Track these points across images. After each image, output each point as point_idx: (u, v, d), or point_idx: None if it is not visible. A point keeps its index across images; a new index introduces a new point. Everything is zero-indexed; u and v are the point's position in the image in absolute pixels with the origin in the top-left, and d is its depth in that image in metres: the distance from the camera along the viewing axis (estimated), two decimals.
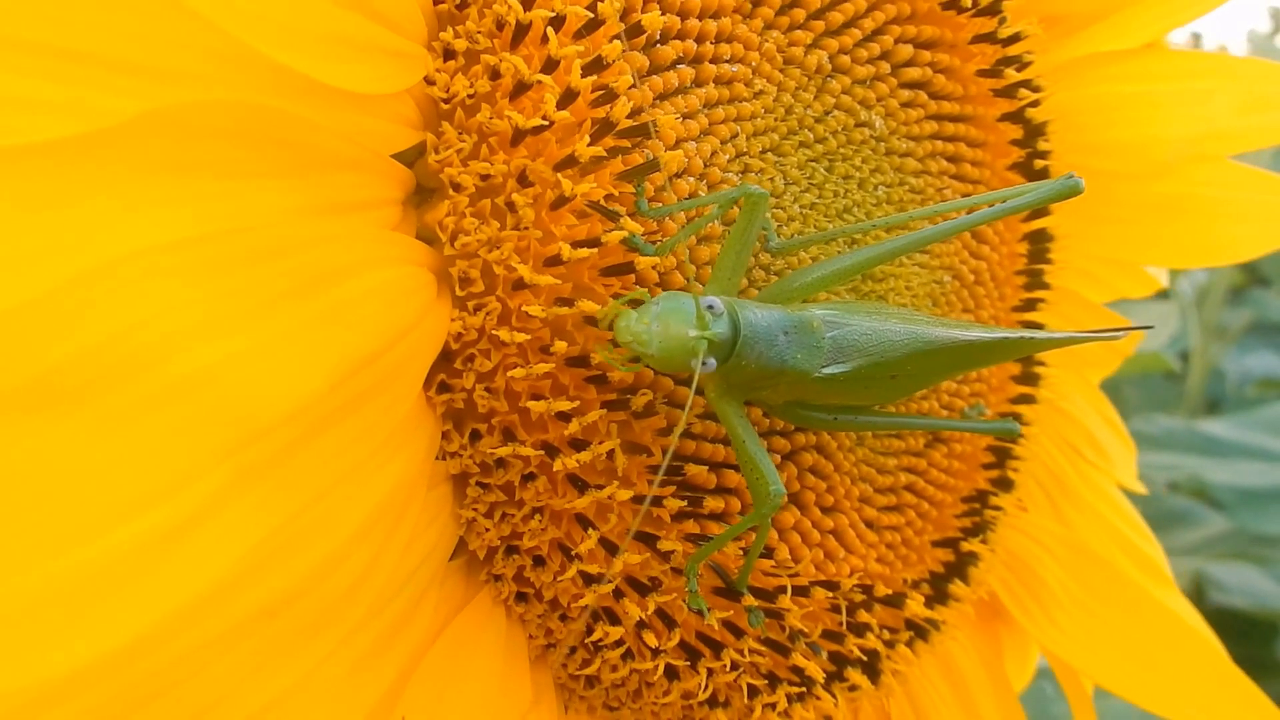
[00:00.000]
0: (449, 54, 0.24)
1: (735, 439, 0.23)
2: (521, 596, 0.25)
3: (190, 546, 0.16)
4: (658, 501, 0.24)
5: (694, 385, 0.22)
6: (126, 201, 0.17)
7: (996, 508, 0.34)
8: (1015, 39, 0.32)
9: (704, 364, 0.21)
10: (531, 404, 0.23)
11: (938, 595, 0.33)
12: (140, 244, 0.17)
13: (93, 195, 0.17)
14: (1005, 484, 0.35)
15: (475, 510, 0.24)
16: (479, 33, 0.24)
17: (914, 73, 0.31)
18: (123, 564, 0.15)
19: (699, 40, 0.27)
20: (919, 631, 0.32)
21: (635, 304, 0.22)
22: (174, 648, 0.17)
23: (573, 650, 0.26)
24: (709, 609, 0.25)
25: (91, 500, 0.15)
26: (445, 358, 0.23)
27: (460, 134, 0.23)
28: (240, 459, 0.17)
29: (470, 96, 0.23)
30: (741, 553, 0.26)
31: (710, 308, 0.22)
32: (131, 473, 0.16)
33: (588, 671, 0.26)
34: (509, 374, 0.23)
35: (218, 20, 0.18)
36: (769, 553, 0.27)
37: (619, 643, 0.25)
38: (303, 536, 0.19)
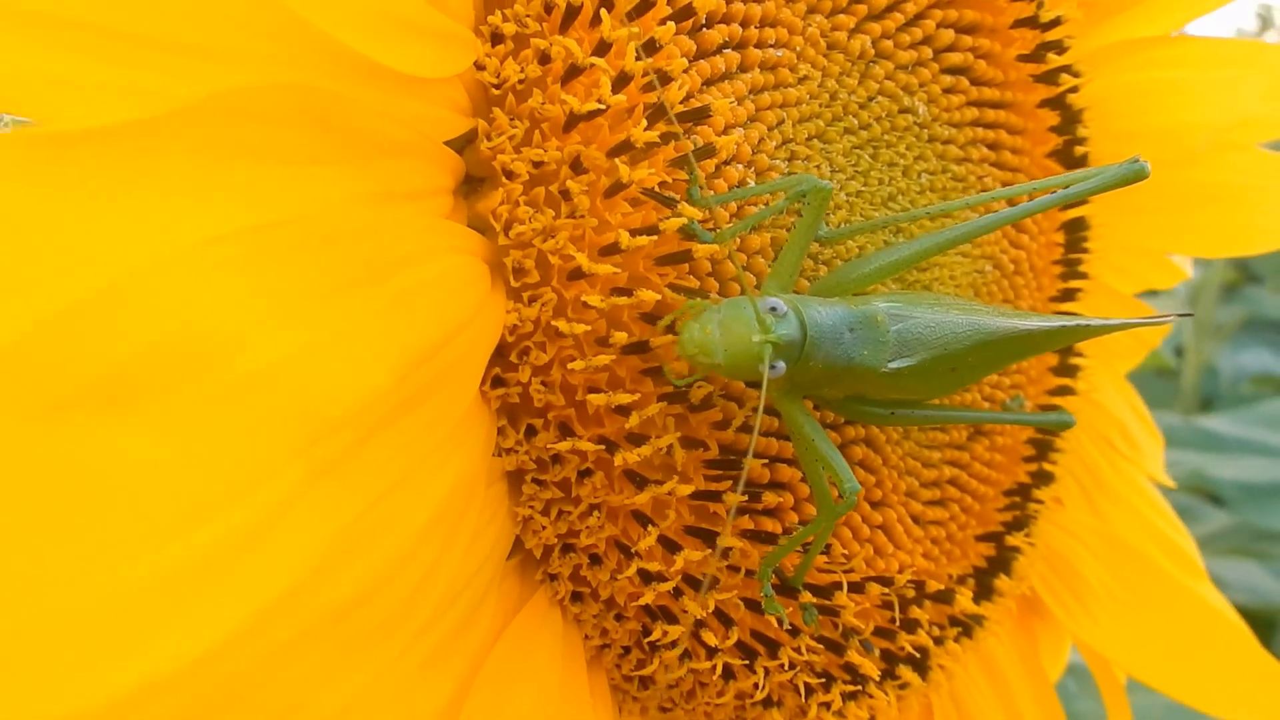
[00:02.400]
0: (497, 38, 0.23)
1: (802, 438, 0.23)
2: (577, 596, 0.24)
3: (267, 547, 0.15)
4: (716, 498, 0.24)
5: (764, 391, 0.21)
6: (185, 189, 0.16)
7: (1038, 501, 0.34)
8: (1055, 23, 0.32)
9: (773, 368, 0.21)
10: (591, 397, 0.22)
11: (982, 590, 0.32)
12: (200, 234, 0.16)
13: (151, 182, 0.16)
14: (1045, 477, 0.34)
15: (532, 508, 0.23)
16: (527, 16, 0.23)
17: (956, 58, 0.30)
18: (204, 567, 0.14)
19: (744, 24, 0.26)
20: (965, 628, 0.32)
21: (695, 310, 0.22)
22: (252, 651, 0.16)
23: (626, 650, 0.25)
24: (790, 609, 0.24)
25: (167, 502, 0.14)
26: (499, 351, 0.23)
27: (512, 120, 0.23)
28: (311, 456, 0.16)
29: (521, 81, 0.23)
30: (798, 549, 0.25)
31: (773, 309, 0.21)
32: (206, 473, 0.15)
33: (643, 673, 0.25)
34: (567, 366, 0.22)
35: None
36: (824, 549, 0.26)
37: (675, 643, 0.25)
38: (372, 534, 0.18)
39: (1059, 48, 0.32)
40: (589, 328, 0.22)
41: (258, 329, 0.16)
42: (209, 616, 0.15)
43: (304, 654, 0.17)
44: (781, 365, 0.21)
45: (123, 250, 0.15)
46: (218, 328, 0.16)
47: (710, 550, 0.24)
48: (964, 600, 0.30)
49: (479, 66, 0.23)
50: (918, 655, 0.29)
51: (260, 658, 0.16)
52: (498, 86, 0.23)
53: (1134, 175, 0.26)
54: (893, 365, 0.23)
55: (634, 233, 0.22)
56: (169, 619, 0.14)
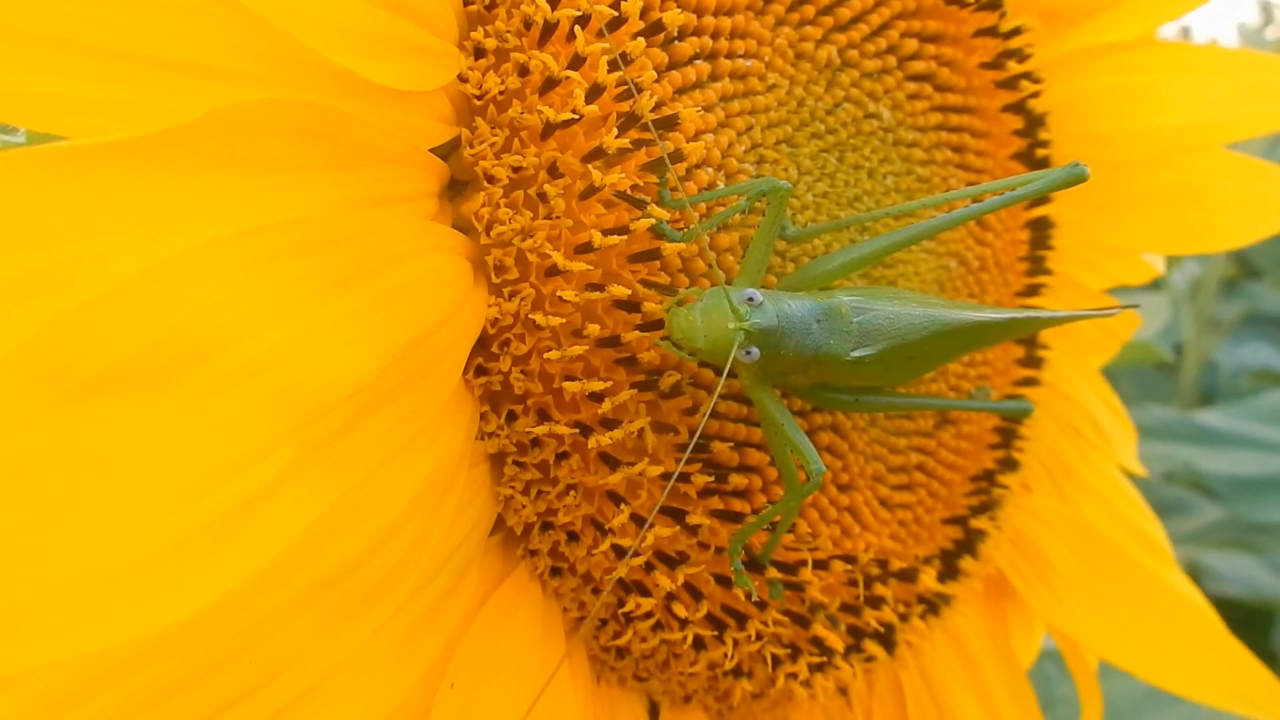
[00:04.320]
0: (479, 52, 0.25)
1: (772, 423, 0.24)
2: (556, 571, 0.26)
3: (264, 517, 0.17)
4: (685, 478, 0.25)
5: (725, 371, 0.23)
6: (193, 196, 0.18)
7: (1003, 486, 0.36)
8: (1016, 32, 0.33)
9: (747, 353, 0.23)
10: (567, 384, 0.24)
11: (948, 571, 0.34)
12: (206, 236, 0.18)
13: (160, 190, 0.18)
14: (1011, 464, 0.36)
15: (513, 488, 0.25)
16: (508, 31, 0.25)
17: (919, 66, 0.32)
18: (207, 532, 0.16)
19: (714, 36, 0.28)
20: (931, 606, 0.34)
21: (683, 302, 0.23)
22: (250, 613, 0.18)
23: (604, 622, 0.27)
24: (758, 584, 0.26)
25: (175, 475, 0.16)
26: (482, 343, 0.24)
27: (493, 129, 0.24)
28: (304, 437, 0.18)
29: (501, 93, 0.24)
30: (766, 528, 0.27)
31: (750, 300, 0.23)
32: (211, 449, 0.17)
33: (619, 643, 0.27)
34: (544, 356, 0.24)
35: (276, 20, 0.19)
36: (791, 529, 0.28)
37: (649, 614, 0.26)
38: (359, 510, 0.20)
39: (1020, 55, 0.34)
40: (564, 320, 0.24)
41: (255, 322, 0.18)
42: (212, 576, 0.16)
43: (297, 616, 0.19)
44: (755, 351, 0.23)
45: (134, 252, 0.17)
46: (219, 321, 0.17)
47: (680, 528, 0.26)
48: (928, 579, 0.32)
49: (462, 79, 0.24)
50: (883, 630, 0.31)
51: (258, 618, 0.18)
52: (480, 97, 0.24)
53: (1074, 178, 0.27)
54: (856, 354, 0.25)
55: (606, 232, 0.24)
56: (177, 577, 0.16)
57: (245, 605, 0.18)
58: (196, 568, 0.16)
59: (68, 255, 0.16)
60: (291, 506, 0.18)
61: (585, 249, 0.24)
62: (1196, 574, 1.00)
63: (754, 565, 0.27)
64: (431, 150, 0.24)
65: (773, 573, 0.27)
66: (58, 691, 0.16)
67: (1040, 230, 0.37)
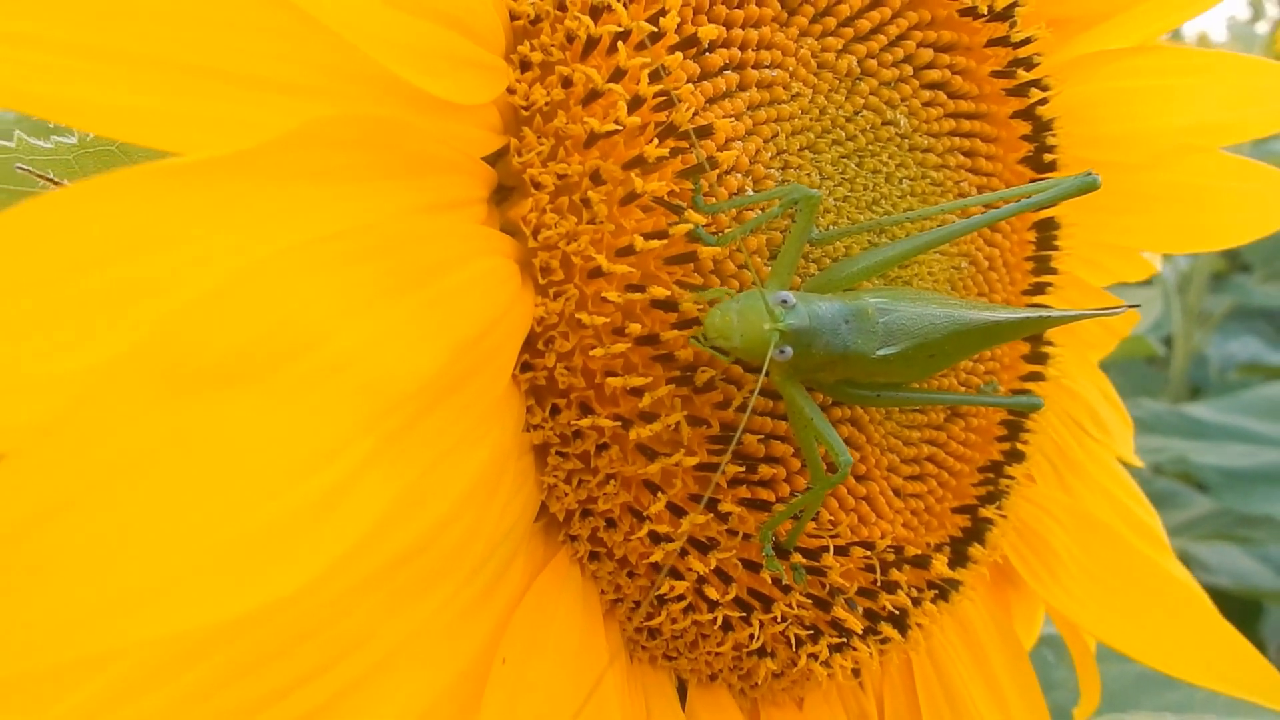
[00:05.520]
0: (525, 65, 0.26)
1: (801, 416, 0.26)
2: (594, 555, 0.28)
3: (350, 501, 0.19)
4: (717, 468, 0.27)
5: (764, 370, 0.24)
6: (274, 205, 0.20)
7: (1010, 477, 0.37)
8: (1026, 42, 0.35)
9: (781, 352, 0.24)
10: (609, 380, 0.25)
11: (958, 558, 0.35)
12: (287, 242, 0.19)
13: (250, 201, 0.19)
14: (1017, 456, 0.38)
15: (556, 477, 0.27)
16: (552, 45, 0.26)
17: (934, 74, 0.33)
18: (302, 515, 0.18)
19: (742, 48, 0.29)
20: (941, 591, 0.35)
21: (714, 301, 0.25)
22: (329, 591, 0.19)
23: (637, 605, 0.28)
24: (784, 568, 0.27)
25: (275, 461, 0.18)
26: (528, 341, 0.26)
27: (539, 138, 0.26)
28: (381, 428, 0.20)
29: (547, 104, 0.26)
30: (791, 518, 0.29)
31: (784, 302, 0.24)
32: (303, 438, 0.18)
33: (652, 624, 0.29)
34: (589, 353, 0.25)
35: (350, 36, 0.20)
36: (813, 518, 0.29)
37: (681, 597, 0.28)
38: (426, 497, 0.21)
39: (1029, 64, 0.35)
40: (607, 319, 0.25)
41: (335, 321, 0.19)
42: (306, 556, 0.18)
43: (374, 593, 0.20)
44: (789, 350, 0.24)
45: (227, 258, 0.18)
46: (304, 321, 0.19)
47: (712, 515, 0.27)
48: (940, 565, 0.33)
49: (510, 91, 0.26)
50: (897, 613, 0.32)
51: (341, 594, 0.19)
52: (526, 108, 0.26)
53: (1087, 186, 0.29)
54: (881, 352, 0.26)
55: (647, 236, 0.25)
56: (277, 557, 0.17)
57: (326, 584, 0.19)
58: (293, 548, 0.17)
59: (171, 261, 0.18)
60: (372, 492, 0.19)
61: (627, 252, 0.25)
62: (1187, 565, 1.01)
63: (779, 552, 0.29)
64: (482, 159, 0.25)
65: (797, 558, 0.29)
66: (150, 666, 0.18)
67: (1046, 231, 0.38)
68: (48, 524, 0.15)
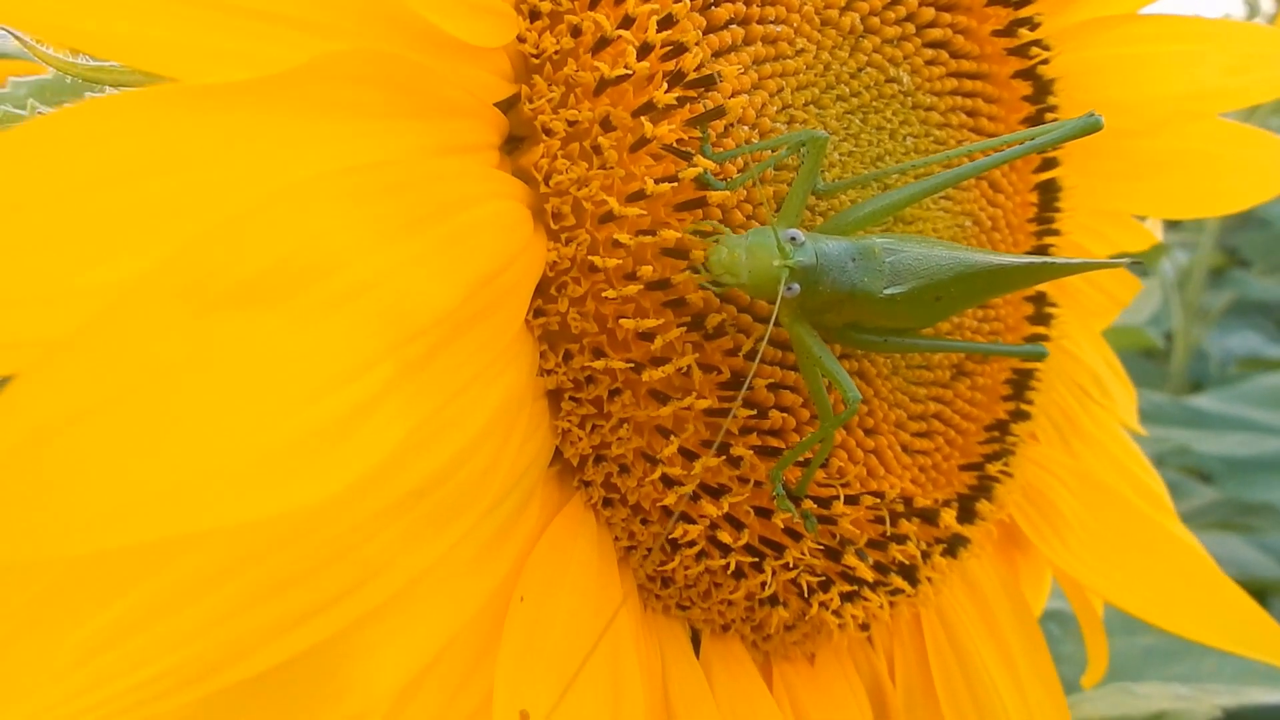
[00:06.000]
0: (535, 15, 0.26)
1: (809, 356, 0.26)
2: (608, 502, 0.28)
3: (370, 424, 0.19)
4: (728, 414, 0.27)
5: (776, 309, 0.25)
6: (295, 135, 0.20)
7: (1015, 436, 0.37)
8: (1027, 1, 0.35)
9: (789, 289, 0.24)
10: (623, 322, 0.26)
11: (966, 514, 0.36)
12: (310, 172, 0.20)
13: (271, 128, 0.20)
14: (1022, 415, 0.38)
15: (569, 422, 0.27)
16: None
17: (936, 33, 0.34)
18: (323, 433, 0.18)
19: (747, 3, 0.29)
20: (950, 547, 0.35)
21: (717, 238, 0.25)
22: (351, 516, 0.20)
23: (650, 552, 0.29)
24: (796, 509, 0.28)
25: (297, 379, 0.18)
26: (540, 286, 0.26)
27: (549, 85, 0.26)
28: (400, 355, 0.20)
29: (556, 52, 0.26)
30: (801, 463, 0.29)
31: (793, 239, 0.25)
32: (325, 358, 0.18)
33: (665, 570, 0.29)
34: (601, 297, 0.26)
35: None
36: (823, 465, 0.30)
37: (693, 543, 0.28)
38: (444, 429, 0.21)
39: (1030, 24, 0.36)
40: (619, 263, 0.26)
41: (355, 249, 0.20)
42: (326, 472, 0.18)
43: (391, 523, 0.21)
44: (796, 287, 0.25)
45: (251, 182, 0.19)
46: (326, 246, 0.19)
47: (723, 459, 0.28)
48: (949, 518, 0.34)
49: (520, 39, 0.26)
50: (908, 563, 0.32)
51: (363, 519, 0.20)
52: (536, 56, 0.26)
53: (1090, 127, 0.29)
54: (888, 291, 0.27)
55: (657, 181, 0.26)
56: (299, 469, 0.18)
57: (348, 508, 0.19)
58: (316, 461, 0.18)
59: (193, 181, 0.18)
60: (391, 417, 0.19)
61: (638, 196, 0.26)
62: None
63: (789, 499, 0.29)
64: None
65: (808, 504, 0.29)
66: (193, 579, 0.18)
67: (1048, 193, 0.39)
68: (76, 426, 0.15)
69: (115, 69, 0.27)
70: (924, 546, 0.34)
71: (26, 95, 0.34)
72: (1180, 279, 1.49)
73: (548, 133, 0.26)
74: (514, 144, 0.27)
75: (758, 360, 0.25)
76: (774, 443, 0.29)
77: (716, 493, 0.28)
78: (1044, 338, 0.39)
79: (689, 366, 0.27)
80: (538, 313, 0.26)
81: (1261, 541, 1.10)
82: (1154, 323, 1.39)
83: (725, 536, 0.28)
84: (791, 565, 0.29)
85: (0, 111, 0.32)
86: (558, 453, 0.27)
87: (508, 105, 0.27)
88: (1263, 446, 1.14)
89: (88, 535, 0.15)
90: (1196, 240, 1.52)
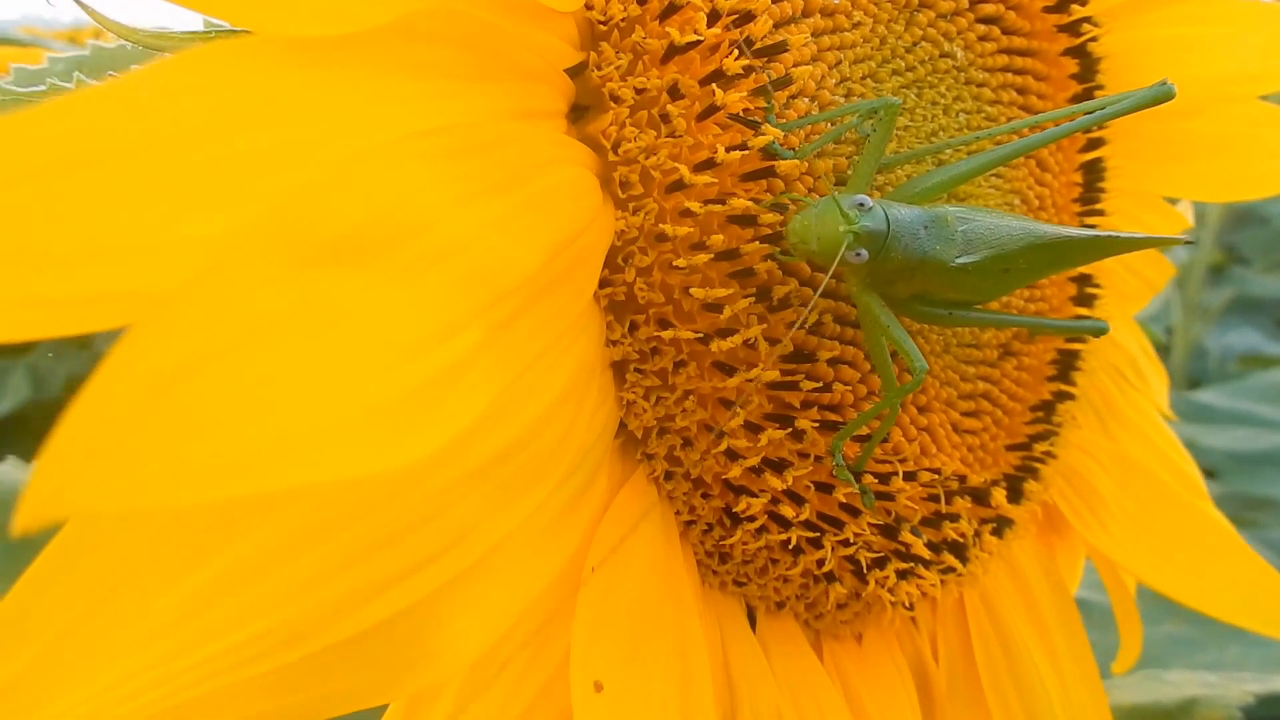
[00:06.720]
0: None
1: (876, 325, 0.26)
2: (669, 475, 0.28)
3: (459, 386, 0.19)
4: (793, 386, 0.27)
5: (830, 271, 0.24)
6: (378, 94, 0.20)
7: (1060, 416, 0.37)
8: None
9: (857, 254, 0.24)
10: (693, 292, 0.25)
11: (1013, 494, 0.36)
12: (396, 132, 0.19)
13: (359, 86, 0.19)
14: (1066, 395, 0.38)
15: (634, 394, 0.27)
16: None
17: (989, 8, 0.34)
18: (417, 394, 0.18)
19: None
20: (997, 526, 0.35)
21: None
22: (443, 477, 0.19)
23: (710, 527, 0.28)
24: (856, 483, 0.27)
25: (392, 337, 0.18)
26: (607, 256, 0.26)
27: (617, 52, 0.26)
28: (488, 317, 0.20)
29: (624, 20, 0.26)
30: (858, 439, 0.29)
31: (861, 205, 0.24)
32: (417, 318, 0.18)
33: (724, 545, 0.29)
34: (670, 266, 0.26)
35: None
36: (884, 438, 0.29)
37: (753, 517, 0.28)
38: (525, 394, 0.21)
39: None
40: (690, 231, 0.25)
41: (443, 210, 0.19)
42: (423, 430, 0.18)
43: (476, 487, 0.20)
44: (864, 253, 0.24)
45: (340, 140, 0.19)
46: (415, 206, 0.19)
47: (787, 433, 0.27)
48: (999, 497, 0.34)
49: (588, 6, 0.26)
50: (960, 541, 0.32)
51: (451, 482, 0.20)
52: (604, 23, 0.26)
53: (1163, 96, 0.29)
54: (960, 260, 0.26)
55: (727, 149, 0.25)
56: (398, 426, 0.17)
57: (439, 469, 0.19)
58: (411, 421, 0.17)
59: (285, 137, 0.18)
60: (480, 380, 0.19)
61: (707, 165, 0.25)
62: None
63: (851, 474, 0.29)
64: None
65: (868, 479, 0.29)
66: (287, 541, 0.18)
67: (1093, 173, 0.38)
68: (189, 378, 0.15)
69: (175, 34, 0.27)
70: (975, 525, 0.33)
71: (68, 70, 0.34)
72: (1180, 276, 1.49)
73: (615, 100, 0.26)
74: (579, 112, 0.27)
75: (813, 305, 0.25)
76: (833, 418, 0.28)
77: (779, 466, 0.28)
78: (1087, 319, 0.39)
79: (755, 338, 0.26)
80: (603, 283, 0.26)
81: (1265, 536, 1.10)
82: (1154, 319, 1.39)
83: (787, 510, 0.28)
84: (850, 541, 0.29)
85: (48, 84, 0.32)
86: (622, 425, 0.27)
87: (573, 73, 0.26)
88: (1267, 442, 1.14)
89: (196, 486, 0.15)
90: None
